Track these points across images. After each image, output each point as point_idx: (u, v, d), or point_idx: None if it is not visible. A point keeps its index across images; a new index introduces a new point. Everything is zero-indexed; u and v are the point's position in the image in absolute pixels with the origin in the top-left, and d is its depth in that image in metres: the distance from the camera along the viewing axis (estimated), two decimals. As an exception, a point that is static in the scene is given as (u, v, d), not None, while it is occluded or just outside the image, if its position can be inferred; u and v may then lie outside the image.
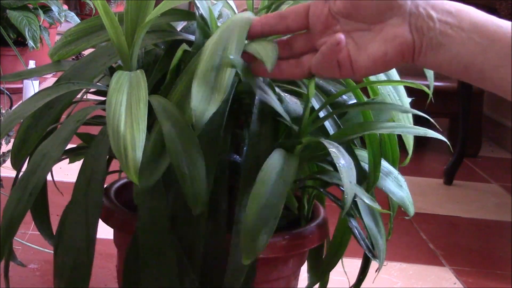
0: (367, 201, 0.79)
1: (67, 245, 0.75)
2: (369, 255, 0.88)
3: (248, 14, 0.81)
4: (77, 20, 2.62)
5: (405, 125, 0.91)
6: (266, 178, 0.74)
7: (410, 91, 0.93)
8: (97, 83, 0.90)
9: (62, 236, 0.76)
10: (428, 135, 0.85)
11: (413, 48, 0.71)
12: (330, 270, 0.99)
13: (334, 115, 0.88)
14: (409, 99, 0.96)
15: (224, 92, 0.71)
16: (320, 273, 1.00)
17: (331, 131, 0.87)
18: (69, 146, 0.81)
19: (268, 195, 0.72)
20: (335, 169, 0.88)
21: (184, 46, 0.83)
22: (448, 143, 0.89)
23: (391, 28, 0.71)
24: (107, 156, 0.79)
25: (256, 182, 0.73)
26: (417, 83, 0.84)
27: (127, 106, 0.71)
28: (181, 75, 0.80)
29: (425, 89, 0.86)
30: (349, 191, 0.74)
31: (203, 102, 0.70)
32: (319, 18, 0.75)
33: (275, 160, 0.76)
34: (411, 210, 0.90)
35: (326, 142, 0.80)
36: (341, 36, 0.72)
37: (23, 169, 0.87)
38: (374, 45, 0.72)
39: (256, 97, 0.83)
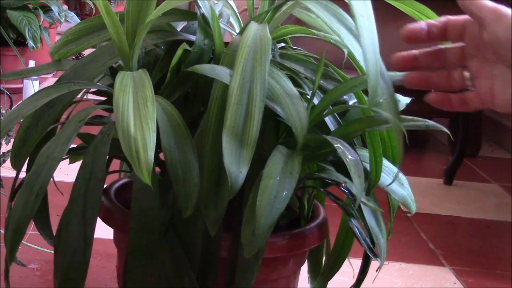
0: (363, 199, 0.79)
1: (64, 244, 0.75)
2: (370, 254, 0.88)
3: (260, 32, 0.80)
4: (77, 20, 2.61)
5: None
6: (272, 172, 0.74)
7: (409, 90, 0.93)
8: (98, 83, 0.90)
9: (61, 236, 0.76)
10: (430, 128, 0.85)
11: None
12: (333, 275, 0.99)
13: (335, 114, 0.88)
14: (408, 99, 0.96)
15: (253, 146, 0.72)
16: (323, 278, 1.00)
17: (332, 129, 0.87)
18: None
19: (277, 187, 0.73)
20: (336, 168, 0.88)
21: (185, 46, 0.83)
22: (449, 133, 0.88)
23: None
24: (107, 156, 0.79)
25: (262, 177, 0.73)
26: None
27: (135, 106, 0.71)
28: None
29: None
30: (358, 186, 0.74)
31: (235, 162, 0.71)
32: (472, 40, 0.74)
33: (277, 156, 0.77)
34: (413, 208, 0.90)
35: (329, 138, 0.80)
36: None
37: (24, 169, 0.87)
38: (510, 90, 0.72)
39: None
